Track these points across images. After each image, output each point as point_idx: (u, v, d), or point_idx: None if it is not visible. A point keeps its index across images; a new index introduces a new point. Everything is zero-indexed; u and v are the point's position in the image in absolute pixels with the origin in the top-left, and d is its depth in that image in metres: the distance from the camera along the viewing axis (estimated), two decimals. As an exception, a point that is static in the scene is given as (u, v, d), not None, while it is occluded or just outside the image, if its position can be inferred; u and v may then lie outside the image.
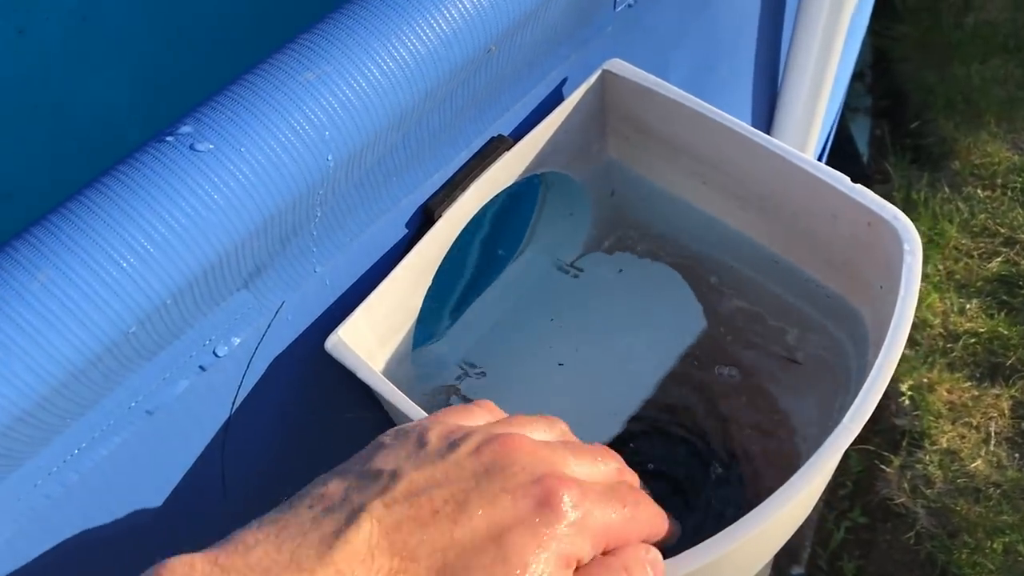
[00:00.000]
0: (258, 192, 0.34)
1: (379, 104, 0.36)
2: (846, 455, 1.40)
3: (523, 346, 0.54)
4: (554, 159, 0.51)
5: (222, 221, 0.33)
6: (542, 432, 0.35)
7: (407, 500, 0.30)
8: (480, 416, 0.36)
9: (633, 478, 0.36)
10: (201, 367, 0.40)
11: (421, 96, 0.38)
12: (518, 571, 0.29)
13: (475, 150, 0.47)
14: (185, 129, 0.33)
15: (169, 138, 0.33)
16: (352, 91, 0.35)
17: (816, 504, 1.38)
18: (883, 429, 1.38)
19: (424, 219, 0.46)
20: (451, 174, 0.47)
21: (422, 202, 0.46)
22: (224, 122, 0.34)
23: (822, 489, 0.41)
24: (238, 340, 0.41)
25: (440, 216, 0.46)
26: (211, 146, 0.33)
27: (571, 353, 0.55)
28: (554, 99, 0.50)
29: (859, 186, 0.44)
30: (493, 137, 0.48)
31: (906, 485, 1.31)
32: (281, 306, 0.42)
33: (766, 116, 0.79)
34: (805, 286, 0.51)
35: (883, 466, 1.34)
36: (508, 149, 0.47)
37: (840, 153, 1.66)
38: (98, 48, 0.76)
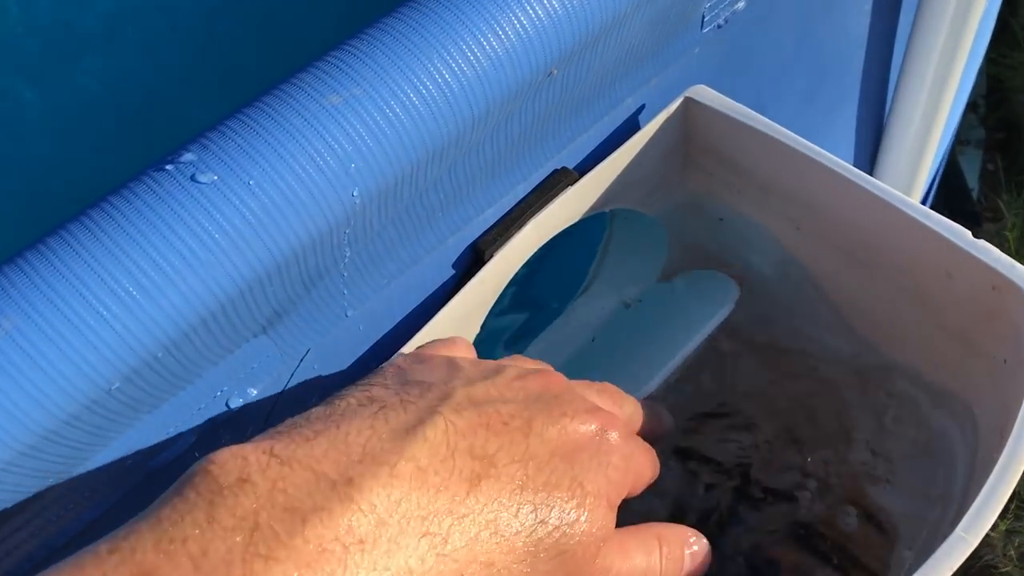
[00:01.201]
0: (268, 232, 0.29)
1: (415, 134, 0.31)
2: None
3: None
4: (625, 195, 0.45)
5: (224, 264, 0.29)
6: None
7: (474, 408, 0.28)
8: (464, 349, 0.35)
9: (638, 423, 0.37)
10: (211, 420, 0.35)
11: (467, 126, 0.33)
12: (595, 498, 0.29)
13: (534, 184, 0.42)
14: (188, 157, 0.29)
15: (169, 166, 0.29)
16: (384, 118, 0.31)
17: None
18: (987, 487, 1.28)
19: (474, 259, 0.41)
20: (506, 210, 0.41)
21: (472, 240, 0.41)
22: (232, 150, 0.29)
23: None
24: (255, 391, 0.36)
25: (492, 256, 0.40)
26: (215, 177, 0.29)
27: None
28: (628, 129, 0.45)
29: (983, 242, 0.37)
30: (556, 170, 0.43)
31: (1012, 552, 1.21)
32: (306, 354, 0.38)
33: (870, 152, 0.72)
34: (908, 356, 0.44)
35: (988, 530, 1.23)
36: (572, 184, 0.42)
37: (946, 187, 1.55)
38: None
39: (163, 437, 0.34)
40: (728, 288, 0.48)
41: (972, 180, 1.65)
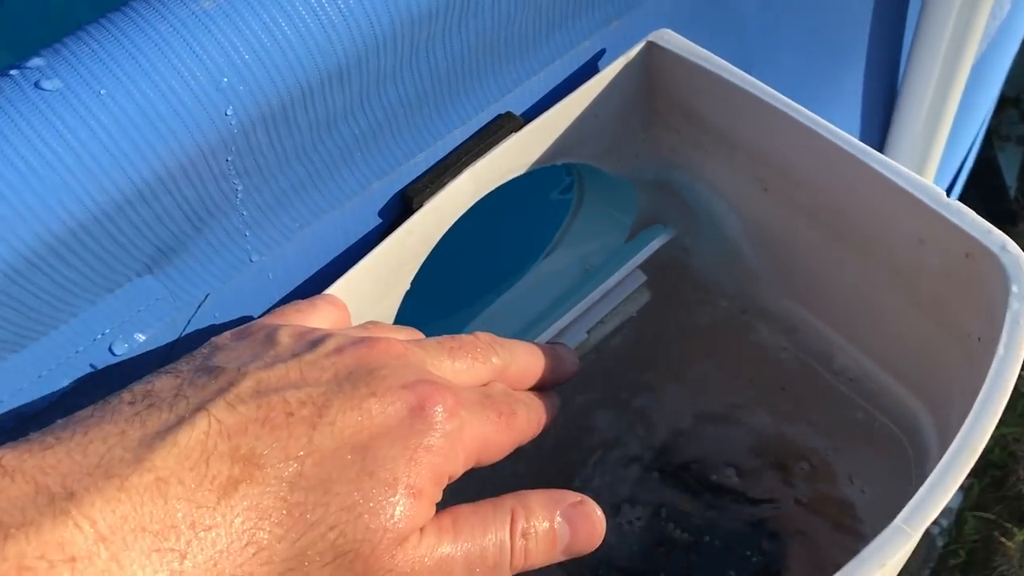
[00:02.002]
0: (122, 149, 0.26)
1: (302, 49, 0.28)
2: (961, 520, 1.25)
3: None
4: (580, 149, 0.41)
5: (70, 183, 0.26)
6: (404, 337, 0.32)
7: (255, 399, 0.26)
8: (326, 312, 0.33)
9: (520, 374, 0.34)
10: (92, 366, 0.32)
11: (369, 46, 0.30)
12: (386, 488, 0.26)
13: (474, 130, 0.38)
14: (36, 62, 0.26)
15: (14, 71, 0.26)
16: (264, 28, 0.27)
17: (920, 572, 1.23)
18: (1008, 496, 1.22)
19: (402, 208, 0.38)
20: (440, 157, 0.38)
21: (400, 188, 0.38)
22: (85, 56, 0.26)
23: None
24: (143, 336, 0.33)
25: (421, 206, 0.37)
26: (60, 84, 0.25)
27: None
28: (585, 75, 0.41)
29: (957, 203, 0.33)
30: (499, 115, 0.39)
31: (1028, 564, 1.15)
32: (204, 300, 0.34)
33: (880, 126, 0.68)
34: (881, 336, 0.40)
35: (1003, 538, 1.18)
36: (516, 130, 0.38)
37: (983, 185, 1.49)
38: None
39: (32, 381, 0.31)
40: (658, 233, 0.44)
41: (1011, 178, 1.59)
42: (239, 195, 0.32)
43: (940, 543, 1.25)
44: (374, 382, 0.28)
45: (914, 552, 1.29)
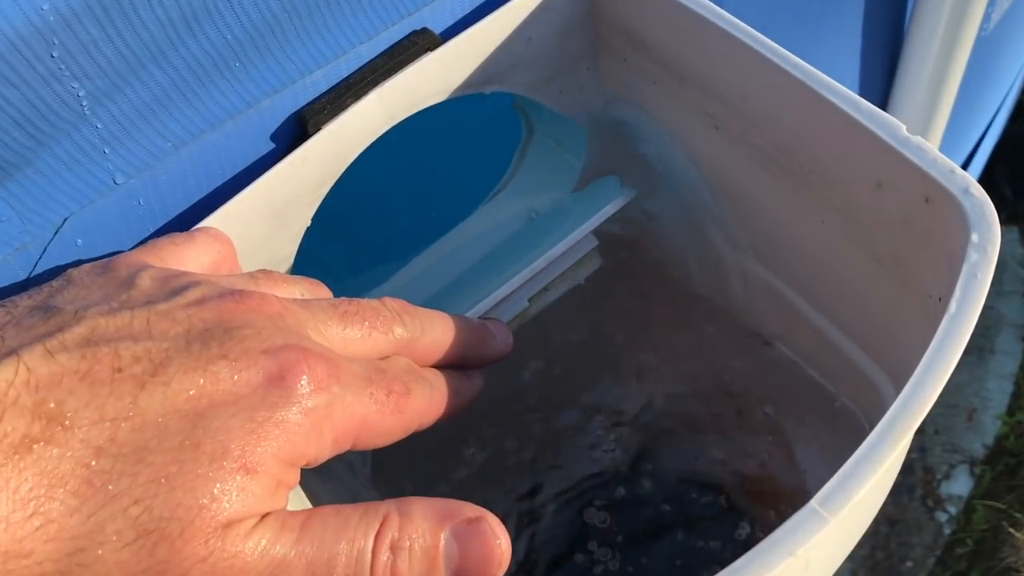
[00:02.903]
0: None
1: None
2: (970, 508, 1.20)
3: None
4: (514, 76, 0.37)
5: None
6: (299, 294, 0.28)
7: (81, 349, 0.22)
8: (206, 247, 0.29)
9: (431, 349, 0.29)
10: (-79, 294, 0.29)
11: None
12: (211, 460, 0.22)
13: (383, 46, 0.34)
14: None
15: None
16: None
17: (926, 561, 1.18)
18: (1020, 486, 1.17)
19: (298, 133, 0.34)
20: (343, 76, 0.34)
21: (296, 109, 0.33)
22: None
23: None
24: (-14, 264, 0.30)
25: (319, 128, 0.33)
26: None
27: None
28: (519, -9, 0.36)
29: (918, 139, 0.28)
30: (415, 31, 0.35)
31: (1036, 557, 1.10)
32: (63, 224, 0.31)
33: (881, 92, 0.62)
34: (840, 298, 0.36)
35: (1012, 529, 1.13)
36: (432, 49, 0.34)
37: (1015, 162, 1.42)
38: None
39: None
40: (614, 192, 0.39)
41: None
42: (84, 102, 0.28)
43: (947, 531, 1.20)
44: (229, 343, 0.24)
45: (920, 539, 1.24)
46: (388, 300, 0.29)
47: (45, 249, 0.31)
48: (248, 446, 0.22)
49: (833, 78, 0.31)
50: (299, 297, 0.28)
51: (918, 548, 1.20)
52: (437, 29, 0.35)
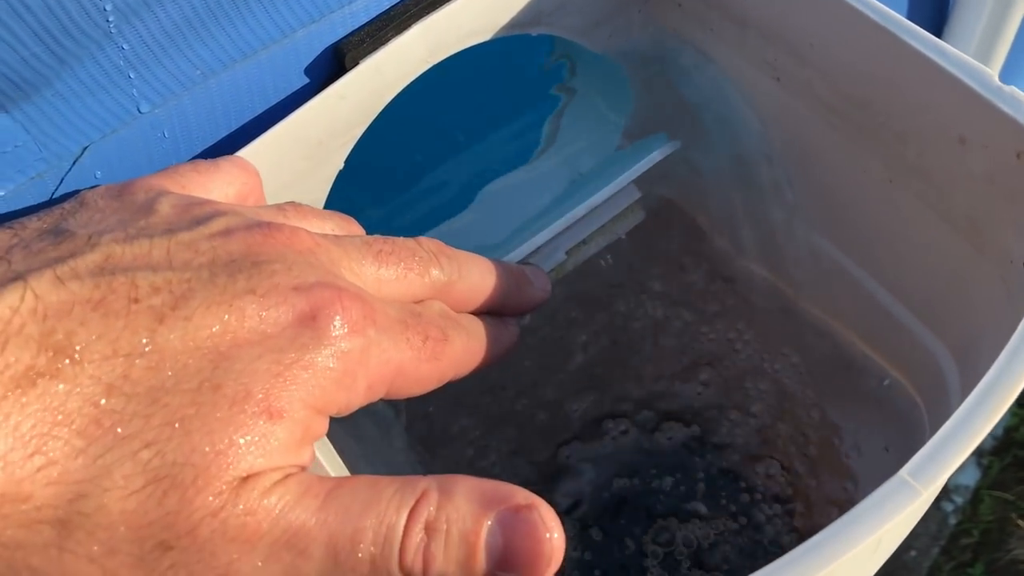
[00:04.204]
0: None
1: None
2: (977, 499, 1.19)
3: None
4: (563, 16, 0.35)
5: None
6: (330, 229, 0.26)
7: (94, 277, 0.20)
8: (231, 176, 0.27)
9: (468, 294, 0.27)
10: (-70, 222, 0.27)
11: None
12: (232, 403, 0.20)
13: (427, -23, 0.32)
14: None
15: None
16: None
17: (930, 550, 1.17)
18: (1030, 476, 1.16)
19: (335, 67, 0.32)
20: (384, 7, 0.31)
21: (334, 41, 0.31)
22: None
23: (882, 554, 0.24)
24: (1, 192, 0.27)
25: (357, 63, 0.31)
26: None
27: None
28: (571, -74, 0.34)
29: (1012, 88, 0.26)
30: (460, -38, 0.32)
31: (1046, 548, 1.09)
32: (82, 153, 0.28)
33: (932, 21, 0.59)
34: (898, 260, 0.34)
35: (1020, 520, 1.12)
36: (479, -17, 0.32)
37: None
38: None
39: None
40: (659, 143, 0.37)
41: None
42: (110, 19, 0.25)
43: (953, 521, 1.19)
44: (258, 276, 0.21)
45: (924, 529, 1.23)
46: (424, 240, 0.27)
47: (62, 180, 0.29)
48: (273, 389, 0.20)
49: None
50: (331, 232, 0.26)
51: (923, 537, 1.19)
52: (485, -38, 0.33)
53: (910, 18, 0.57)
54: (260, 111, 0.31)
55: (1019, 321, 0.23)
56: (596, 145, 0.43)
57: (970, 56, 0.27)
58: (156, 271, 0.21)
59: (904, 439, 0.37)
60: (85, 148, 0.28)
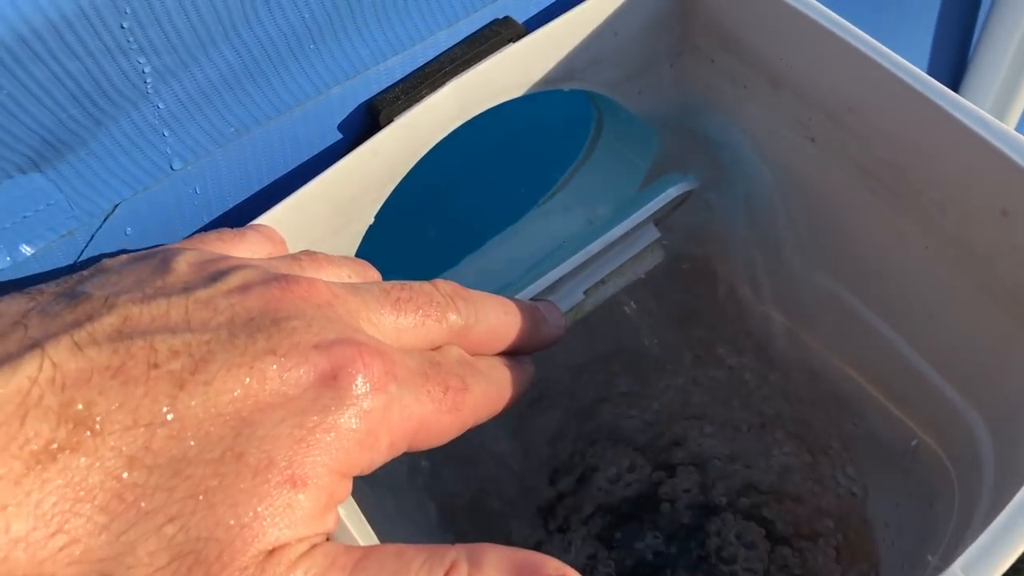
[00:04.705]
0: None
1: None
2: None
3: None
4: (595, 72, 0.34)
5: None
6: (347, 276, 0.26)
7: (112, 343, 0.20)
8: (256, 245, 0.27)
9: (485, 337, 0.27)
10: (-40, 281, 0.26)
11: None
12: (255, 473, 0.19)
13: (463, 35, 0.32)
14: None
15: None
16: None
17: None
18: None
19: (369, 123, 0.31)
20: (419, 63, 0.31)
21: (367, 98, 0.31)
22: None
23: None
24: (30, 250, 0.27)
25: (391, 121, 0.30)
26: None
27: None
28: (606, -18, 0.34)
29: (1058, 164, 0.26)
30: (496, 19, 0.32)
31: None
32: (113, 211, 0.28)
33: (950, 75, 0.59)
34: (934, 326, 0.33)
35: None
36: (515, 40, 0.31)
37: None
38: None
39: None
40: (676, 181, 0.37)
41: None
42: (148, 79, 0.25)
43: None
44: (278, 335, 0.21)
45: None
46: (440, 283, 0.27)
47: (92, 237, 0.28)
48: (297, 456, 0.20)
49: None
50: (347, 281, 0.26)
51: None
52: (520, 18, 0.33)
53: (930, 71, 0.57)
54: (293, 166, 0.31)
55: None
56: (616, 187, 0.42)
57: (987, 110, 0.27)
58: (175, 333, 0.21)
59: (930, 501, 0.37)
60: (116, 205, 0.28)
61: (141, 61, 0.24)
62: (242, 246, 0.27)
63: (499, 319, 0.28)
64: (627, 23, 0.33)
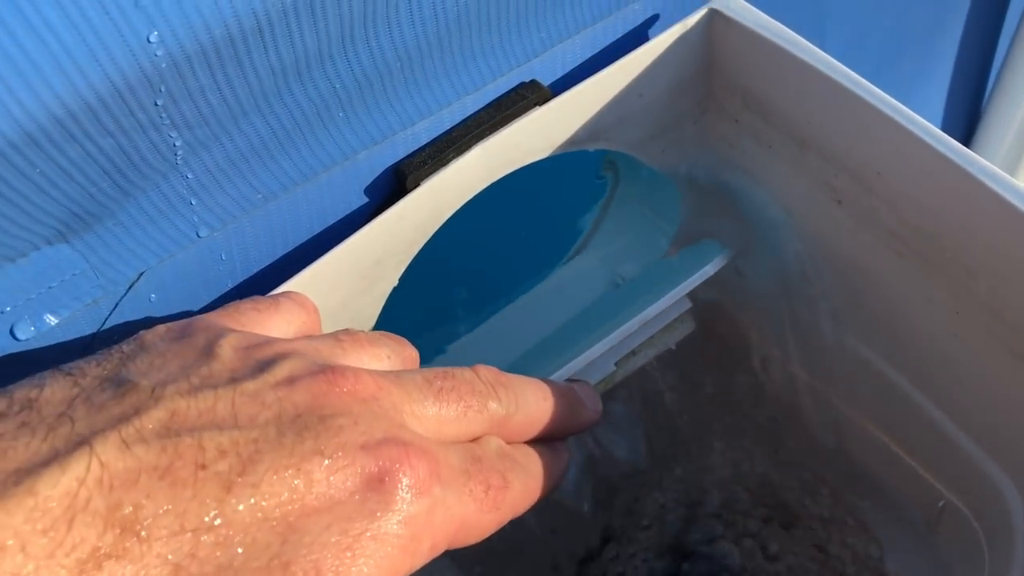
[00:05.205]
0: (-2, 74, 0.19)
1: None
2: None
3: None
4: (620, 133, 0.34)
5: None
6: (386, 357, 0.26)
7: (160, 440, 0.19)
8: (291, 315, 0.26)
9: (525, 426, 0.27)
10: (-14, 353, 0.26)
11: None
12: None
13: (490, 99, 0.32)
14: None
15: None
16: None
17: None
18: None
19: (395, 187, 0.31)
20: (445, 127, 0.31)
21: (394, 162, 0.31)
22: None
23: None
24: (55, 319, 0.27)
25: (418, 185, 0.30)
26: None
27: None
28: (632, 43, 0.34)
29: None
30: (522, 83, 0.32)
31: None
32: (138, 279, 0.28)
33: (962, 131, 0.60)
34: (960, 390, 0.33)
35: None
36: (541, 103, 0.31)
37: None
38: None
39: (-99, 365, 0.25)
40: (713, 253, 0.37)
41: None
42: (178, 152, 0.25)
43: None
44: (325, 435, 0.21)
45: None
46: (481, 370, 0.26)
47: (117, 305, 0.28)
48: (343, 566, 0.20)
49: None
50: (387, 362, 0.26)
51: None
52: (547, 81, 0.33)
53: (945, 122, 0.57)
54: (319, 231, 0.31)
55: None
56: (640, 247, 0.42)
57: (1000, 160, 0.27)
58: (222, 430, 0.20)
59: (958, 564, 0.36)
60: (141, 273, 0.28)
61: (173, 135, 0.24)
62: (277, 316, 0.26)
63: (538, 406, 0.28)
64: (652, 84, 0.33)
